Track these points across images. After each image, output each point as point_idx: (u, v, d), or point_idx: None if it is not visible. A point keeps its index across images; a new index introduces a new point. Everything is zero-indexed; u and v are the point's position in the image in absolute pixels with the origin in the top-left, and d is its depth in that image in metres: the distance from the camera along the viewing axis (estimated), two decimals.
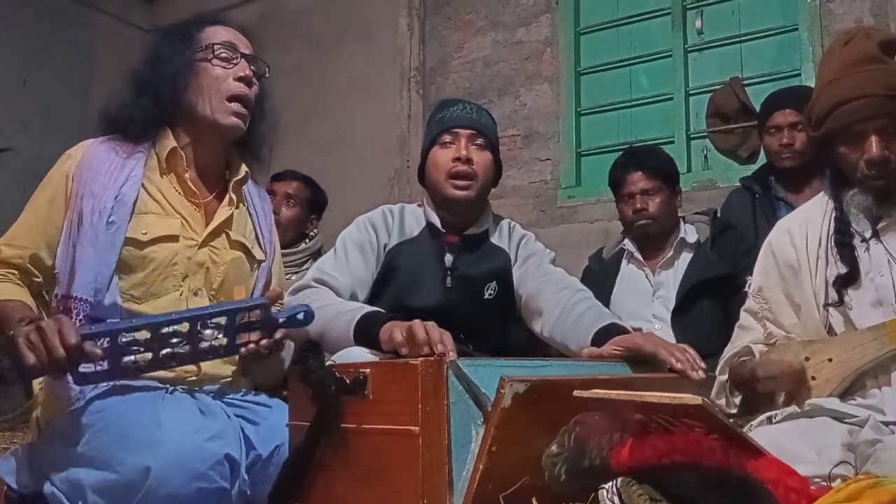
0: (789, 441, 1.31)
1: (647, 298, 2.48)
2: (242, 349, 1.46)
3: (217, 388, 1.58)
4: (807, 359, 1.56)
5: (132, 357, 1.35)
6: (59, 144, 1.66)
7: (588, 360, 1.56)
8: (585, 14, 4.00)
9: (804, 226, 1.68)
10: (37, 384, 1.55)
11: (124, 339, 1.33)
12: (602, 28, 3.95)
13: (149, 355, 1.36)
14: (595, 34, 3.98)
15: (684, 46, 3.73)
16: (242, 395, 1.59)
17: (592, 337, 1.62)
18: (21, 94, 4.46)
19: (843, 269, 1.57)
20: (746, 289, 1.77)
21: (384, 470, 1.21)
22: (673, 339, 2.14)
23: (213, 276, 1.60)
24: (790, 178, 2.69)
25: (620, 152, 2.78)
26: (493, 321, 1.88)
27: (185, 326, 1.38)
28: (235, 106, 1.61)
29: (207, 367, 1.56)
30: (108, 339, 1.32)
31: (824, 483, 1.19)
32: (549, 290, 1.79)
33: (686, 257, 2.49)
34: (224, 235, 1.64)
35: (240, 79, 1.62)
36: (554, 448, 1.12)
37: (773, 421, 1.49)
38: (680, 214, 2.60)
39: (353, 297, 1.77)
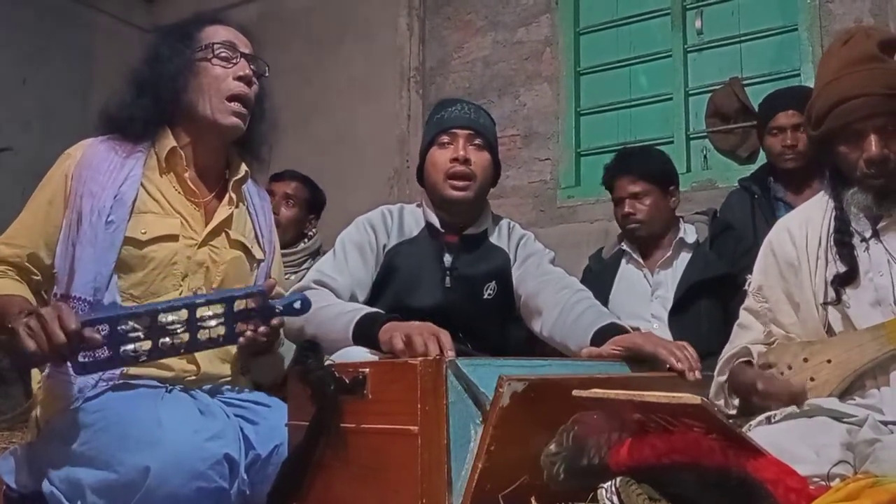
0: (788, 441, 1.31)
1: (646, 298, 2.49)
2: (241, 338, 1.45)
3: (216, 388, 1.58)
4: (805, 360, 1.56)
5: (131, 346, 1.34)
6: (58, 144, 1.66)
7: (587, 360, 1.56)
8: (585, 14, 4.00)
9: (804, 225, 1.68)
10: (36, 383, 1.55)
11: (123, 327, 1.32)
12: (602, 28, 3.95)
13: (147, 344, 1.35)
14: (595, 34, 3.98)
15: (684, 46, 3.73)
16: (242, 395, 1.59)
17: (592, 337, 1.62)
18: (21, 94, 4.45)
19: (842, 269, 1.57)
20: (746, 287, 1.77)
21: (383, 469, 1.21)
22: (671, 339, 2.14)
23: (212, 275, 1.60)
24: (790, 179, 2.69)
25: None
26: (493, 321, 1.88)
27: (183, 314, 1.37)
28: (235, 105, 1.61)
29: (207, 366, 1.56)
30: (107, 326, 1.31)
31: (823, 483, 1.19)
32: (549, 290, 1.79)
33: (685, 257, 2.49)
34: (224, 235, 1.64)
35: (239, 78, 1.62)
36: (552, 447, 1.12)
37: (773, 421, 1.49)
38: (679, 214, 2.60)
39: (353, 298, 1.77)
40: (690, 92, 3.71)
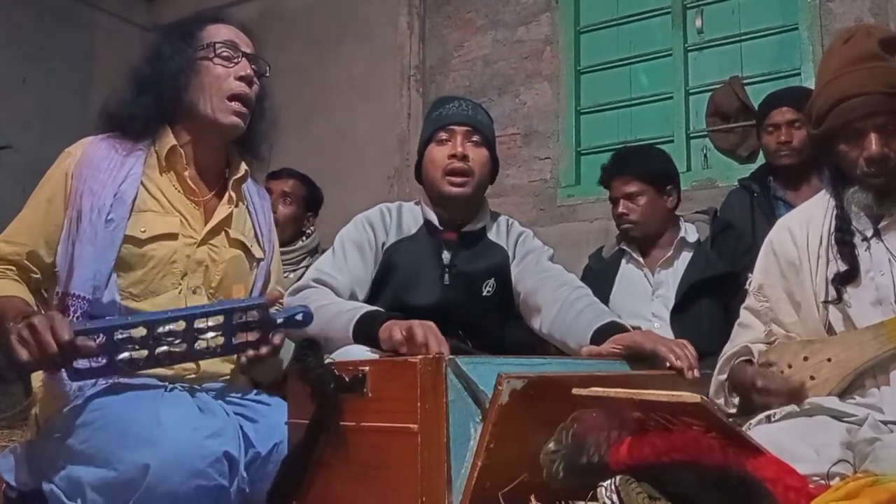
0: (788, 440, 1.31)
1: (647, 297, 2.49)
2: (243, 356, 1.46)
3: (216, 386, 1.58)
4: (806, 358, 1.56)
5: (127, 354, 1.34)
6: (58, 143, 1.66)
7: (587, 359, 1.56)
8: (585, 13, 4.00)
9: (805, 224, 1.68)
10: (36, 382, 1.55)
11: (119, 336, 1.33)
12: (602, 27, 3.96)
13: (144, 353, 1.35)
14: (595, 33, 3.98)
15: (684, 45, 3.73)
16: (241, 393, 1.59)
17: (591, 335, 1.62)
18: (21, 93, 4.46)
19: (843, 268, 1.57)
20: (747, 286, 1.77)
21: (383, 468, 1.21)
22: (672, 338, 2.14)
23: (211, 274, 1.60)
24: (788, 177, 2.69)
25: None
26: (492, 318, 1.88)
27: (181, 325, 1.37)
28: (236, 105, 1.61)
29: (207, 364, 1.56)
30: (103, 335, 1.31)
31: (823, 481, 1.19)
32: (548, 287, 1.79)
33: (686, 256, 2.49)
34: (223, 234, 1.64)
35: (241, 78, 1.61)
36: (552, 445, 1.12)
37: (772, 420, 1.49)
38: (679, 213, 2.60)
39: (353, 297, 1.77)
40: (691, 91, 3.71)
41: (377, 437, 1.23)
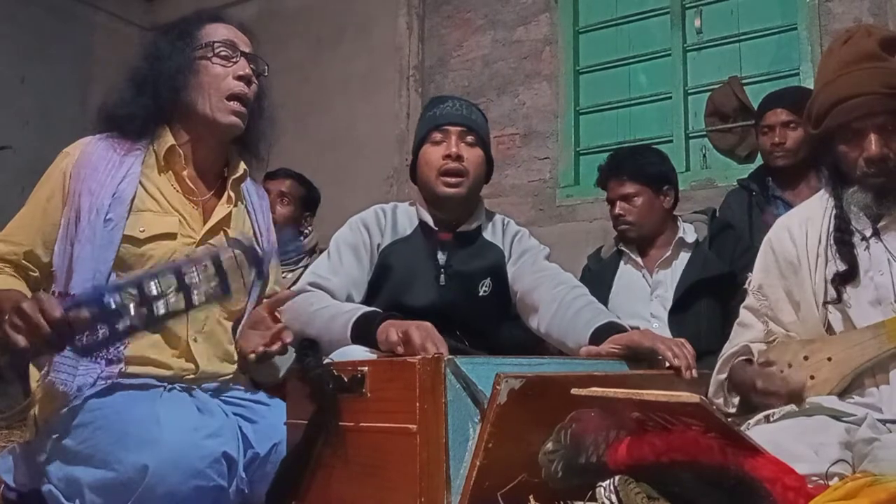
0: (787, 439, 1.31)
1: (645, 298, 2.49)
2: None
3: (215, 386, 1.58)
4: (805, 358, 1.56)
5: (126, 320, 1.30)
6: (57, 143, 1.66)
7: (586, 359, 1.55)
8: (584, 13, 4.00)
9: (804, 224, 1.68)
10: (34, 383, 1.54)
11: (112, 301, 1.28)
12: (601, 27, 3.96)
13: (143, 313, 1.30)
14: (594, 33, 3.98)
15: (683, 45, 3.73)
16: (240, 394, 1.59)
17: (590, 335, 1.61)
18: (20, 92, 4.45)
19: (842, 268, 1.57)
20: (746, 286, 1.77)
21: (382, 468, 1.21)
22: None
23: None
24: (786, 177, 2.69)
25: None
26: (489, 318, 1.88)
27: (171, 280, 1.31)
28: (234, 105, 1.61)
29: (205, 364, 1.56)
30: (94, 305, 1.28)
31: (822, 481, 1.19)
32: (545, 286, 1.79)
33: (685, 257, 2.49)
34: (222, 233, 1.64)
35: (239, 77, 1.61)
36: (550, 445, 1.12)
37: (771, 419, 1.49)
38: (677, 213, 2.60)
39: (349, 299, 1.77)
40: (690, 91, 3.71)
41: (376, 437, 1.23)
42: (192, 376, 1.55)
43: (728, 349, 1.73)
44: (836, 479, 1.19)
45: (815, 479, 1.19)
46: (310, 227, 3.13)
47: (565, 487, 1.12)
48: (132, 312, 1.30)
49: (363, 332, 1.54)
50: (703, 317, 2.36)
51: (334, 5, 4.56)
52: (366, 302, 1.79)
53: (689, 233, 2.52)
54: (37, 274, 1.55)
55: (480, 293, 1.86)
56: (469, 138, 1.89)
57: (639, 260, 2.54)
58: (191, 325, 1.55)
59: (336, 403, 1.28)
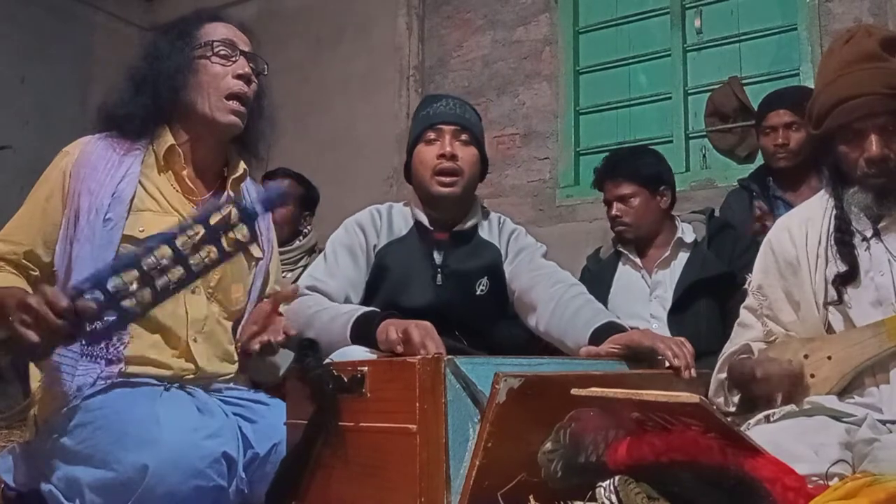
0: (787, 440, 1.31)
1: (644, 298, 2.49)
2: (236, 254, 1.39)
3: (215, 386, 1.58)
4: (806, 356, 1.56)
5: (132, 299, 1.29)
6: (57, 142, 1.66)
7: (586, 359, 1.55)
8: (584, 13, 4.00)
9: (804, 224, 1.68)
10: (34, 382, 1.54)
11: (114, 285, 1.27)
12: (601, 27, 3.96)
13: (147, 291, 1.30)
14: (594, 33, 3.98)
15: (683, 46, 3.73)
16: (240, 393, 1.59)
17: (590, 336, 1.61)
18: (19, 92, 4.45)
19: (842, 268, 1.57)
20: (746, 286, 1.77)
21: (382, 468, 1.21)
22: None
23: (210, 273, 1.59)
24: (787, 178, 2.69)
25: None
26: (487, 317, 1.88)
27: (166, 250, 1.30)
28: (234, 104, 1.60)
29: (205, 364, 1.56)
30: (97, 291, 1.27)
31: (822, 481, 1.19)
32: (542, 285, 1.79)
33: (683, 257, 2.49)
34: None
35: (239, 76, 1.61)
36: (549, 445, 1.12)
37: (771, 420, 1.49)
38: (675, 214, 2.60)
39: (347, 301, 1.77)
40: (689, 91, 3.71)
41: (376, 437, 1.23)
42: (191, 376, 1.55)
43: (728, 348, 1.73)
44: (836, 479, 1.19)
45: (815, 479, 1.19)
46: (309, 227, 3.13)
47: (565, 487, 1.11)
48: (136, 291, 1.29)
49: (362, 332, 1.54)
50: (703, 317, 2.36)
51: (334, 5, 4.56)
52: (363, 303, 1.79)
53: (687, 233, 2.52)
54: (37, 273, 1.54)
55: (478, 292, 1.86)
56: (463, 137, 1.88)
57: (637, 261, 2.54)
58: (191, 326, 1.55)
59: (336, 403, 1.28)
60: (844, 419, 1.42)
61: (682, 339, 1.51)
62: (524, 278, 1.84)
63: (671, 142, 3.67)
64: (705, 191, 3.44)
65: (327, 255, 1.85)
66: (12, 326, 1.27)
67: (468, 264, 1.87)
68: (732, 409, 1.67)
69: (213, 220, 1.33)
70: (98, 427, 1.37)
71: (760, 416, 1.51)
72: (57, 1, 4.65)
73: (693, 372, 1.44)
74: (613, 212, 2.52)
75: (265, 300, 1.65)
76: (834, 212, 1.62)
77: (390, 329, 1.44)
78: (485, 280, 1.87)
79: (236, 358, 1.63)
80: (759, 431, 1.40)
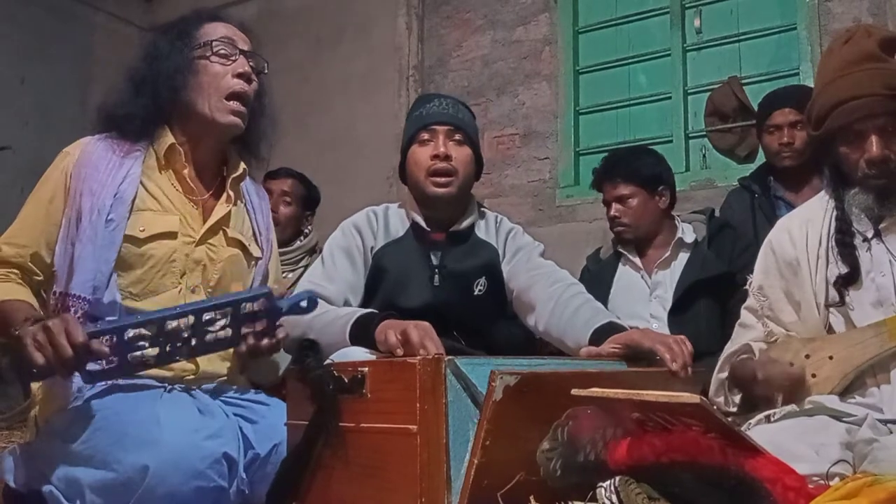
0: (788, 440, 1.31)
1: (645, 298, 2.48)
2: (245, 344, 1.45)
3: (215, 387, 1.58)
4: (807, 356, 1.56)
5: (139, 353, 1.34)
6: (57, 143, 1.66)
7: (587, 359, 1.55)
8: (584, 13, 4.00)
9: (804, 225, 1.68)
10: (35, 383, 1.54)
11: (130, 335, 1.32)
12: (601, 27, 3.96)
13: (155, 350, 1.35)
14: (594, 33, 3.98)
15: (683, 45, 3.73)
16: (241, 394, 1.59)
17: (590, 336, 1.61)
18: (19, 93, 4.45)
19: (843, 269, 1.57)
20: (747, 287, 1.77)
21: (382, 469, 1.21)
22: None
23: (210, 273, 1.60)
24: (789, 178, 2.69)
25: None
26: (486, 316, 1.87)
27: (189, 320, 1.36)
28: (234, 104, 1.60)
29: (205, 364, 1.56)
30: (114, 335, 1.31)
31: (822, 481, 1.19)
32: (541, 284, 1.78)
33: (683, 257, 2.48)
34: (221, 233, 1.63)
35: (238, 75, 1.61)
36: (548, 443, 1.12)
37: (772, 419, 1.49)
38: (675, 213, 2.60)
39: (346, 304, 1.76)
40: (689, 91, 3.72)
41: (376, 437, 1.23)
42: (192, 377, 1.55)
43: (729, 348, 1.74)
44: (836, 479, 1.19)
45: (816, 479, 1.19)
46: (309, 227, 3.13)
47: (564, 486, 1.11)
48: (145, 350, 1.34)
49: (361, 334, 1.54)
50: (703, 317, 2.36)
51: (334, 5, 4.56)
52: (362, 305, 1.79)
53: (687, 233, 2.52)
54: (41, 278, 1.54)
55: (476, 292, 1.86)
56: (457, 137, 1.88)
57: (637, 261, 2.54)
58: None
59: (336, 404, 1.28)
60: (845, 419, 1.42)
61: (682, 337, 1.51)
62: (522, 278, 1.84)
63: (671, 142, 3.67)
64: (705, 191, 3.44)
65: (325, 259, 1.85)
66: (21, 341, 1.27)
67: (465, 264, 1.87)
68: (733, 408, 1.67)
69: (244, 310, 1.40)
70: (99, 428, 1.37)
71: (761, 415, 1.51)
72: (57, 1, 4.65)
73: (689, 371, 1.44)
74: (612, 213, 2.52)
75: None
76: (834, 213, 1.62)
77: (389, 332, 1.44)
78: (483, 280, 1.86)
79: (236, 358, 1.63)
80: (759, 431, 1.40)
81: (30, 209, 1.56)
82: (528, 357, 1.59)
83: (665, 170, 2.57)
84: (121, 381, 1.45)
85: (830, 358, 1.53)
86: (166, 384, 1.50)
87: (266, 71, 1.70)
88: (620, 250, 2.59)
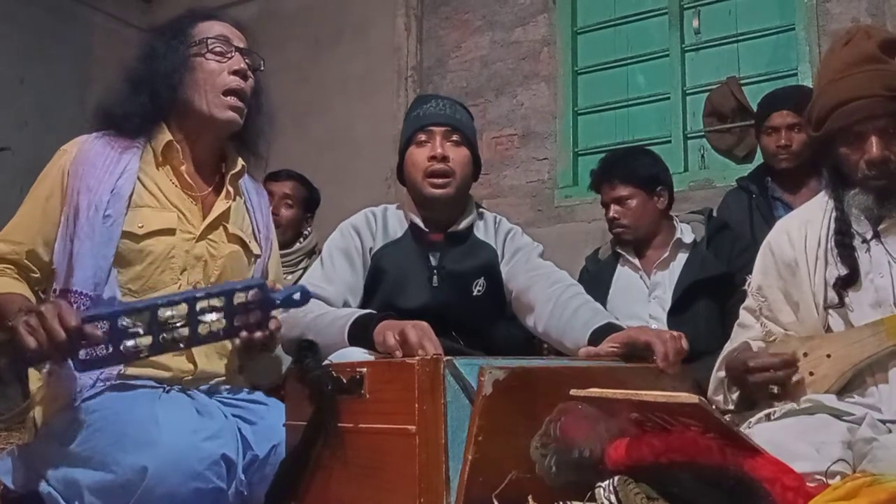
0: (788, 438, 1.31)
1: (643, 299, 2.48)
2: (239, 335, 1.44)
3: (214, 388, 1.58)
4: (805, 354, 1.56)
5: (132, 342, 1.33)
6: (56, 143, 1.66)
7: (585, 359, 1.55)
8: (582, 14, 4.00)
9: (803, 226, 1.68)
10: (34, 384, 1.54)
11: (123, 323, 1.31)
12: (599, 27, 3.96)
13: (148, 339, 1.34)
14: (592, 34, 3.98)
15: (681, 46, 3.74)
16: (239, 395, 1.59)
17: (589, 337, 1.61)
18: (18, 93, 4.45)
19: (843, 270, 1.57)
20: (746, 287, 1.77)
21: (381, 469, 1.21)
22: None
23: (210, 269, 1.60)
24: (787, 179, 2.69)
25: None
26: (484, 318, 1.87)
27: (182, 309, 1.36)
28: (231, 100, 1.61)
29: (204, 365, 1.56)
30: (107, 323, 1.30)
31: (823, 480, 1.19)
32: (540, 285, 1.78)
33: (682, 257, 2.48)
34: (222, 228, 1.64)
35: (235, 72, 1.61)
36: (540, 439, 1.12)
37: (772, 418, 1.49)
38: (674, 214, 2.60)
39: (346, 305, 1.76)
40: (688, 91, 3.72)
41: (375, 438, 1.23)
42: (190, 377, 1.55)
43: (728, 348, 1.74)
44: (837, 477, 1.19)
45: (817, 477, 1.19)
46: (309, 229, 3.13)
47: (561, 484, 1.11)
48: (138, 338, 1.34)
49: (360, 335, 1.54)
50: (702, 317, 2.36)
51: (332, 6, 4.56)
52: (361, 306, 1.79)
53: (686, 233, 2.52)
54: (38, 275, 1.55)
55: (474, 293, 1.85)
56: (454, 137, 1.88)
57: (636, 262, 2.54)
58: None
59: (335, 405, 1.28)
60: (845, 417, 1.42)
61: (679, 333, 1.50)
62: (521, 278, 1.84)
63: (669, 142, 3.67)
64: (704, 191, 3.44)
65: (324, 260, 1.84)
66: (14, 329, 1.27)
67: (464, 265, 1.87)
68: (731, 406, 1.67)
69: (237, 300, 1.40)
70: (97, 429, 1.37)
71: (761, 414, 1.51)
72: (56, 1, 4.65)
73: (676, 368, 1.43)
74: (611, 214, 2.52)
75: None
76: (834, 214, 1.62)
77: (387, 333, 1.44)
78: (481, 280, 1.86)
79: (236, 358, 1.63)
80: (759, 430, 1.40)
81: (27, 207, 1.57)
82: (527, 357, 1.59)
83: (662, 170, 2.57)
84: (119, 382, 1.45)
85: (828, 356, 1.53)
86: (164, 385, 1.50)
87: (262, 68, 1.70)
88: (619, 251, 2.59)
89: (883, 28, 2.77)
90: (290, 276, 2.81)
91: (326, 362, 1.40)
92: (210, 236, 1.61)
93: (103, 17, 4.90)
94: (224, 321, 1.41)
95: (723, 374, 1.70)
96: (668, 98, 3.74)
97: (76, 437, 1.38)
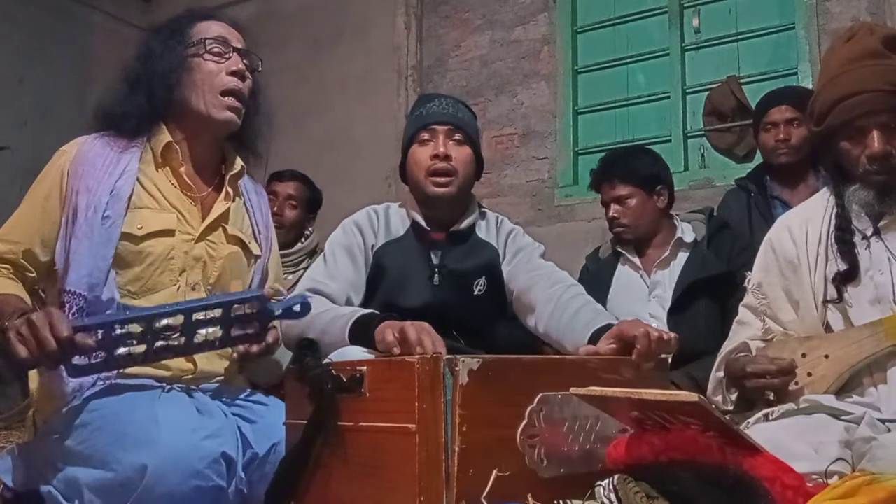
0: (787, 438, 1.31)
1: (644, 298, 2.48)
2: (239, 347, 1.45)
3: (214, 387, 1.58)
4: (803, 355, 1.56)
5: (125, 349, 1.33)
6: (55, 143, 1.66)
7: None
8: (582, 13, 4.00)
9: (804, 223, 1.68)
10: (34, 383, 1.54)
11: (118, 332, 1.32)
12: (599, 27, 3.96)
13: (142, 347, 1.34)
14: (592, 33, 3.98)
15: (681, 45, 3.74)
16: (239, 394, 1.59)
17: (589, 338, 1.61)
18: (18, 93, 4.45)
19: (842, 267, 1.57)
20: (746, 285, 1.77)
21: (381, 467, 1.21)
22: None
23: (209, 270, 1.60)
24: (785, 176, 2.69)
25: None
26: (485, 317, 1.87)
27: (179, 319, 1.36)
28: (229, 100, 1.61)
29: (203, 364, 1.56)
30: (101, 331, 1.30)
31: (821, 480, 1.19)
32: (541, 285, 1.78)
33: (683, 257, 2.48)
34: (221, 229, 1.64)
35: (233, 73, 1.61)
36: (526, 428, 1.13)
37: (771, 418, 1.49)
38: (674, 213, 2.60)
39: (349, 302, 1.76)
40: (688, 90, 3.72)
41: (375, 437, 1.23)
42: (190, 376, 1.55)
43: (726, 347, 1.74)
44: (835, 477, 1.19)
45: (815, 477, 1.19)
46: (311, 229, 3.13)
47: (554, 476, 1.12)
48: (132, 346, 1.34)
49: (361, 335, 1.54)
50: (702, 317, 2.36)
51: (332, 6, 4.56)
52: (363, 304, 1.79)
53: (687, 232, 2.52)
54: (34, 275, 1.54)
55: (475, 292, 1.85)
56: (457, 136, 1.88)
57: (636, 261, 2.54)
58: None
59: (335, 403, 1.28)
60: (843, 417, 1.43)
61: (666, 331, 1.49)
62: (522, 279, 1.84)
63: (669, 141, 3.67)
64: (704, 190, 3.44)
65: (326, 257, 1.85)
66: (5, 335, 1.27)
67: (466, 264, 1.87)
68: (730, 406, 1.67)
69: (235, 312, 1.40)
70: (97, 427, 1.36)
71: (760, 414, 1.51)
72: (56, 1, 4.65)
73: (649, 363, 1.43)
74: (611, 213, 2.52)
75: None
76: (835, 210, 1.62)
77: (387, 332, 1.44)
78: (482, 280, 1.86)
79: (235, 358, 1.63)
80: (758, 430, 1.40)
81: (25, 207, 1.57)
82: (526, 356, 1.58)
83: (662, 169, 2.57)
84: (119, 381, 1.45)
85: (826, 357, 1.53)
86: (164, 384, 1.49)
87: (260, 69, 1.70)
88: (619, 250, 2.59)
89: (886, 25, 2.77)
90: (290, 276, 2.81)
91: (326, 361, 1.40)
92: (209, 237, 1.61)
93: (103, 17, 4.91)
94: (220, 332, 1.41)
95: (721, 374, 1.70)
96: (668, 97, 3.74)
97: (76, 436, 1.38)
